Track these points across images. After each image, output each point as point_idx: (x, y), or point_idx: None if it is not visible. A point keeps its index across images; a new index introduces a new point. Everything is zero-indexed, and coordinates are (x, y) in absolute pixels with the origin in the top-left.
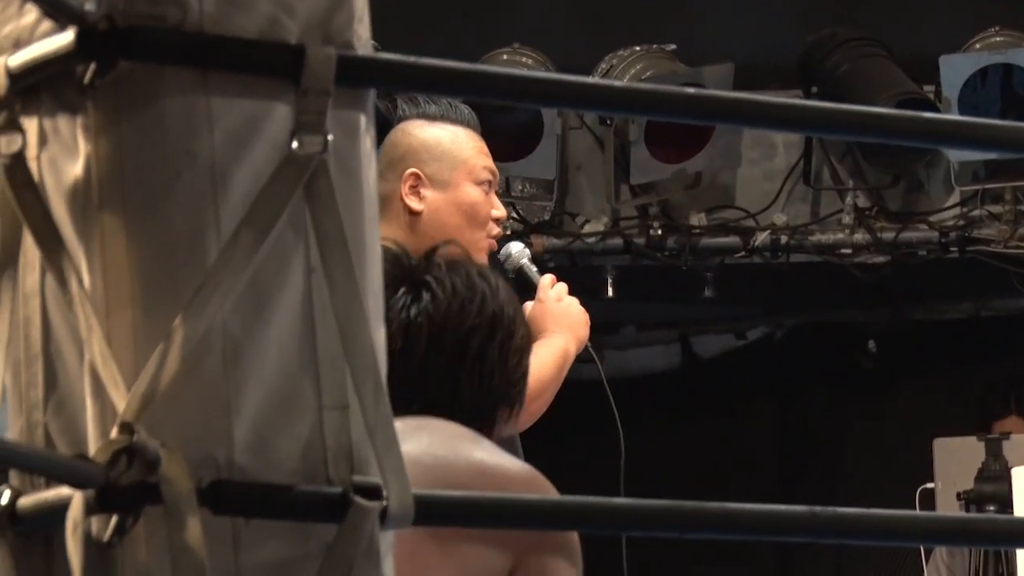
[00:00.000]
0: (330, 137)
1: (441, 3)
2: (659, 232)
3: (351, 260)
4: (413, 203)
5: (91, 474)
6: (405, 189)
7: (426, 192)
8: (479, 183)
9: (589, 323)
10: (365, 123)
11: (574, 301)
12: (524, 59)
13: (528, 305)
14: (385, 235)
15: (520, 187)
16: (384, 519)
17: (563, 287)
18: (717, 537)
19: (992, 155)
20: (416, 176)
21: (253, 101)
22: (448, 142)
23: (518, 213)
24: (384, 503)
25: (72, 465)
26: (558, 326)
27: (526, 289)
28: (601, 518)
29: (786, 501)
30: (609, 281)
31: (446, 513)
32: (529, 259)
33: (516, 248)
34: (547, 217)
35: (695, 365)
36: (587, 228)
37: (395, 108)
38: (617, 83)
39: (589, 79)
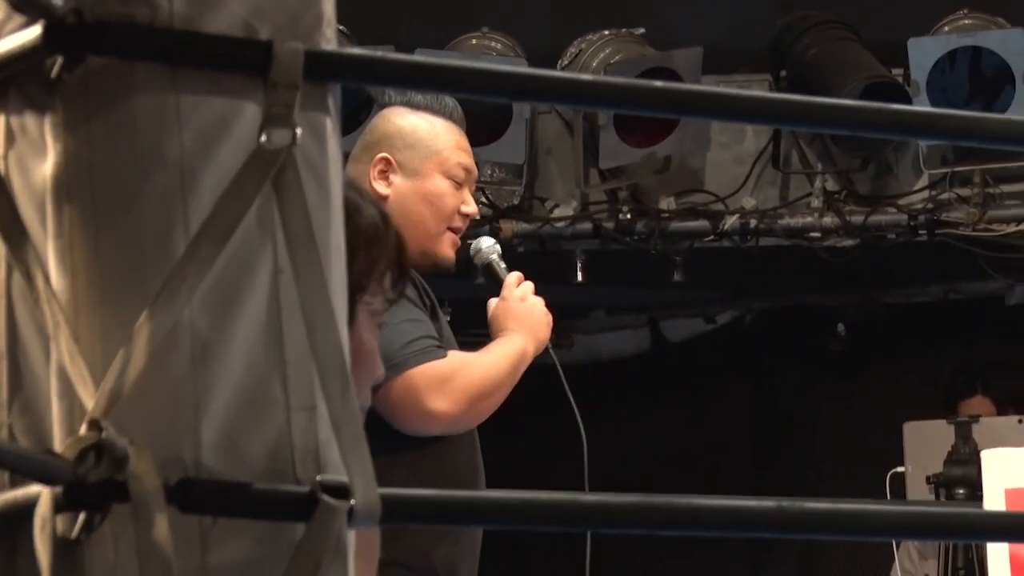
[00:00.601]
0: (299, 131)
1: None
2: (628, 216)
3: (319, 258)
4: (380, 187)
5: (59, 470)
6: (374, 173)
7: (394, 178)
8: (449, 177)
9: (551, 325)
10: (332, 126)
11: (538, 302)
12: (493, 44)
13: (492, 302)
14: None
15: (489, 172)
16: (351, 518)
17: (529, 286)
18: (683, 533)
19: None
20: (387, 161)
21: (222, 99)
22: (424, 132)
23: (487, 198)
24: (351, 502)
25: (41, 460)
26: (519, 326)
27: (494, 284)
28: (568, 515)
29: (757, 486)
30: (579, 265)
31: (412, 511)
32: (499, 255)
33: (486, 244)
34: (516, 202)
35: (665, 349)
36: (556, 212)
37: (383, 94)
38: (585, 77)
39: (557, 73)
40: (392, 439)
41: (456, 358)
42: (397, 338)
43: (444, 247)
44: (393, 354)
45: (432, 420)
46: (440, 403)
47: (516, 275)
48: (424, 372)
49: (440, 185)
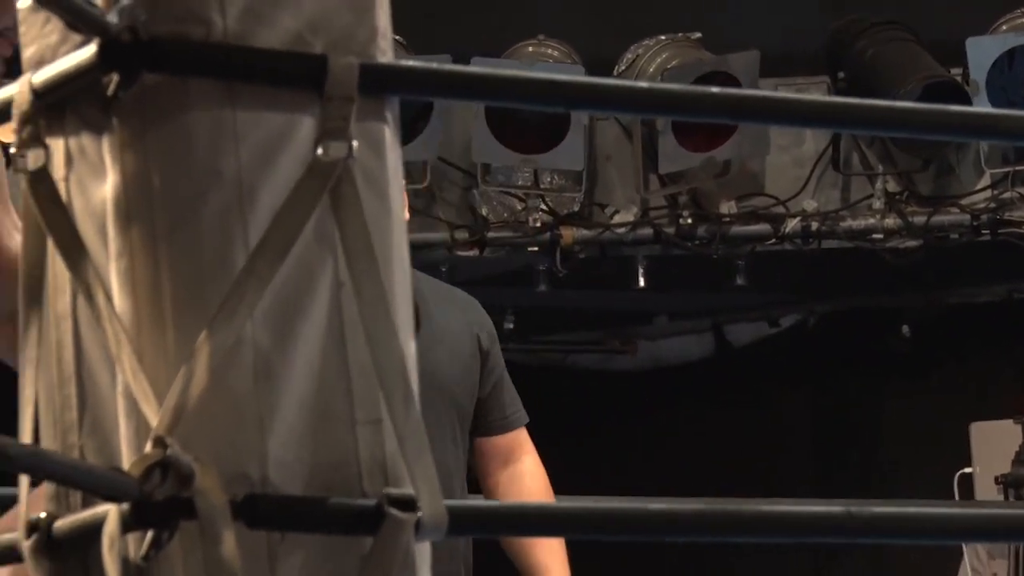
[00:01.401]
0: (355, 144)
1: None
2: (689, 221)
3: (379, 271)
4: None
5: (126, 487)
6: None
7: None
8: None
9: None
10: (390, 135)
11: None
12: (550, 51)
13: None
14: None
15: (549, 179)
16: (418, 530)
17: None
18: (751, 541)
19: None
20: None
21: (278, 114)
22: None
23: (547, 205)
24: (418, 514)
25: (107, 476)
26: None
27: None
28: (634, 524)
29: (822, 489)
30: (640, 271)
31: (478, 523)
32: None
33: None
34: (576, 208)
35: (729, 353)
36: (616, 219)
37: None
38: (641, 84)
39: (613, 81)
40: None
41: None
42: None
43: None
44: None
45: None
46: None
47: None
48: None
49: None
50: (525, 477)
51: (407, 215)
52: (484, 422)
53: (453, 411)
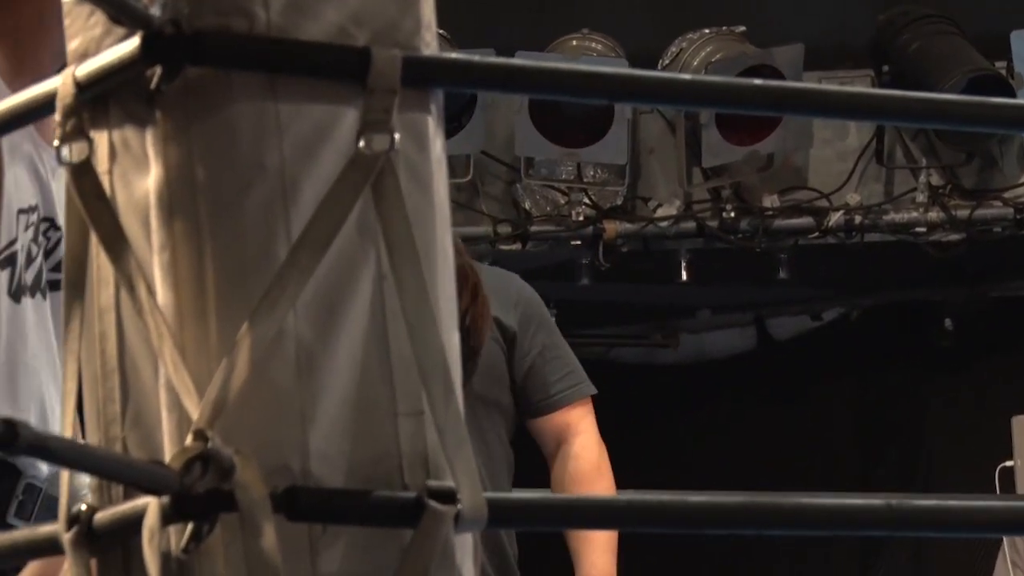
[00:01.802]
0: (397, 136)
1: None
2: (732, 215)
3: (420, 264)
4: None
5: (166, 479)
6: None
7: None
8: None
9: None
10: (434, 127)
11: None
12: (593, 44)
13: None
14: None
15: (592, 173)
16: (458, 522)
17: None
18: (791, 533)
19: None
20: None
21: (321, 107)
22: None
23: (590, 198)
24: (458, 507)
25: (148, 470)
26: None
27: None
28: (675, 516)
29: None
30: (683, 265)
31: (517, 515)
32: None
33: None
34: (619, 202)
35: (771, 347)
36: (660, 212)
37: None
38: (684, 76)
39: (655, 73)
40: None
41: None
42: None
43: None
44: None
45: None
46: None
47: None
48: None
49: None
50: (569, 460)
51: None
52: (527, 404)
53: (476, 401)
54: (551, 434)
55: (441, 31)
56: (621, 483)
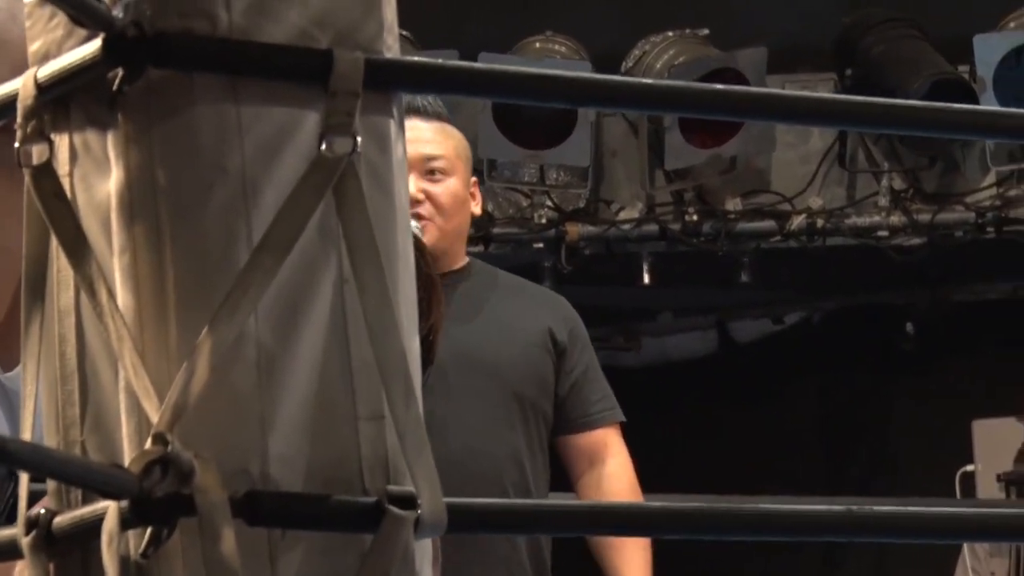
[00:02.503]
0: (359, 139)
1: None
2: (694, 218)
3: (382, 267)
4: (476, 208)
5: (125, 483)
6: (475, 192)
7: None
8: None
9: None
10: (395, 130)
11: None
12: (557, 46)
13: None
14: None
15: (554, 175)
16: (418, 527)
17: None
18: (751, 539)
19: None
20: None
21: (283, 109)
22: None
23: (553, 201)
24: (418, 512)
25: (107, 473)
26: None
27: None
28: (633, 522)
29: (828, 486)
30: (645, 268)
31: (478, 520)
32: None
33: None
34: (582, 204)
35: (733, 350)
36: (622, 215)
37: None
38: (645, 81)
39: (617, 78)
40: None
41: None
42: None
43: None
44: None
45: None
46: None
47: None
48: None
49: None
50: (604, 479)
51: None
52: (565, 420)
53: (512, 399)
54: (585, 452)
55: (405, 32)
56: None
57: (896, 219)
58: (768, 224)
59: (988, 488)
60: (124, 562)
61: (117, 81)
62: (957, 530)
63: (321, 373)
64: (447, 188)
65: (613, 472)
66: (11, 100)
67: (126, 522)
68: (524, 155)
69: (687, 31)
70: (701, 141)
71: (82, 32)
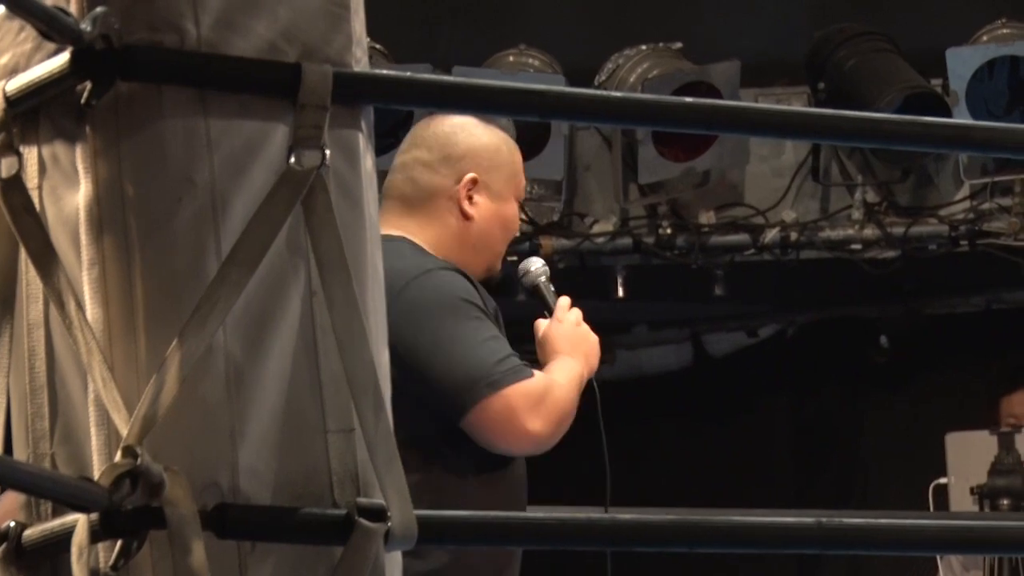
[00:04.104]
0: (327, 152)
1: (449, 4)
2: (668, 231)
3: (351, 280)
4: (468, 208)
5: (95, 496)
6: (463, 192)
7: (479, 199)
8: (519, 199)
9: (600, 354)
10: (364, 143)
11: (589, 330)
12: (531, 60)
13: (541, 323)
14: (426, 231)
15: (528, 188)
16: (388, 540)
17: (578, 313)
18: (724, 551)
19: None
20: (475, 182)
21: (252, 122)
22: (506, 152)
23: (527, 214)
24: (388, 524)
25: (77, 486)
26: (575, 351)
27: (540, 305)
28: (605, 535)
29: (802, 499)
30: (619, 281)
31: (447, 533)
32: (547, 277)
33: (535, 265)
34: (556, 218)
35: (707, 363)
36: (596, 228)
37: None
38: (616, 95)
39: (588, 91)
40: (467, 456)
41: (544, 378)
42: (487, 356)
43: (499, 264)
44: (488, 372)
45: (528, 440)
46: (537, 423)
47: (567, 299)
48: (521, 392)
49: (515, 209)
50: None
51: None
52: None
53: None
54: None
55: (378, 46)
56: (558, 498)
57: (870, 232)
58: (742, 237)
59: (961, 501)
60: (94, 574)
61: (86, 94)
62: (929, 542)
63: (290, 386)
64: None
65: None
66: None
67: (96, 535)
68: None
69: (660, 45)
70: (674, 155)
71: (50, 46)
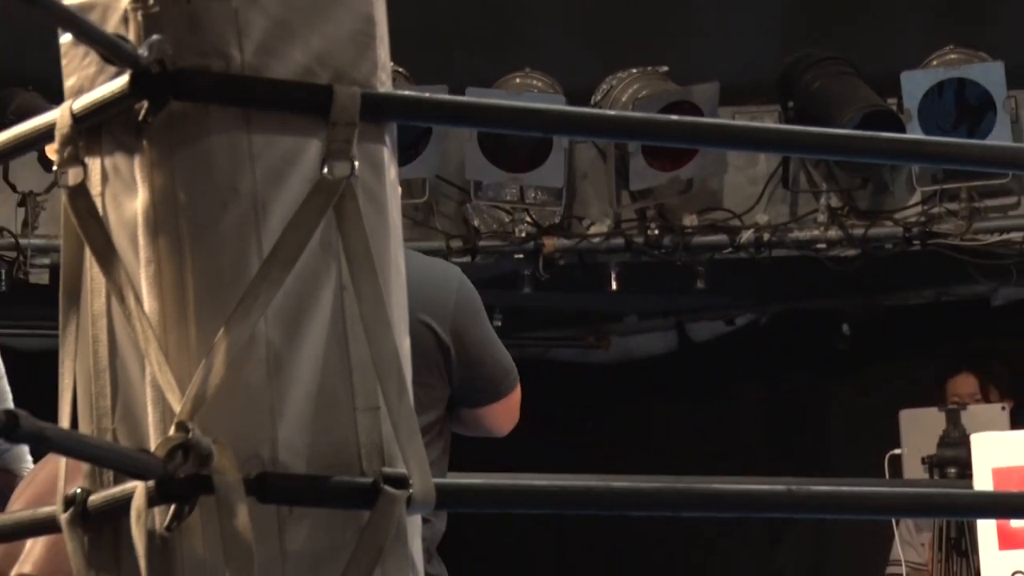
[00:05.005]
0: (356, 164)
1: (462, 31)
2: (656, 232)
3: (376, 276)
4: None
5: (152, 466)
6: None
7: None
8: None
9: None
10: (388, 156)
11: None
12: (534, 82)
13: None
14: None
15: (533, 195)
16: (410, 504)
17: None
18: (704, 515)
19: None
20: None
21: (289, 137)
22: None
23: (532, 217)
24: (410, 491)
25: (135, 457)
26: None
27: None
28: (602, 499)
29: (775, 468)
30: (613, 276)
31: (462, 498)
32: None
33: None
34: (557, 221)
35: (690, 349)
36: (592, 229)
37: None
38: (610, 113)
39: (584, 109)
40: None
41: None
42: (506, 353)
43: None
44: (513, 367)
45: (509, 429)
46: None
47: None
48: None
49: None
50: None
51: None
52: None
53: None
54: None
55: (401, 69)
56: (559, 469)
57: (833, 233)
58: (721, 238)
59: (914, 470)
60: (151, 535)
61: (143, 112)
62: (886, 507)
63: (323, 369)
64: None
65: None
66: (50, 128)
67: (152, 500)
68: (506, 177)
69: (649, 68)
70: (661, 165)
71: (111, 69)
